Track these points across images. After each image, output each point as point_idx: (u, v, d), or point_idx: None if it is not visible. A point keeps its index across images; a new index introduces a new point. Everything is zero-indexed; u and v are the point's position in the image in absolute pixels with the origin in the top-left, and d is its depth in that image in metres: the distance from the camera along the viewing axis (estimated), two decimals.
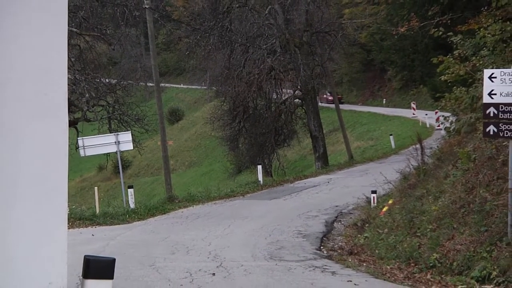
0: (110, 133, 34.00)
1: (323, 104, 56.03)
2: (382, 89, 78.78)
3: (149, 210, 26.86)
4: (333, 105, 52.51)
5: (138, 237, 20.29)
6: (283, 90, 48.69)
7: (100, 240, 19.23)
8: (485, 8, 19.78)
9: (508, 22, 17.93)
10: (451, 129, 20.75)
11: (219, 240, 18.87)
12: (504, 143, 14.68)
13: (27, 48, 4.58)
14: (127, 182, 34.19)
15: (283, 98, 48.62)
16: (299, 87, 47.15)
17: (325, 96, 70.60)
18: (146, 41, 38.24)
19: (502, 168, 14.94)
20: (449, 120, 20.97)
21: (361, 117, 67.50)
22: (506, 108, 13.27)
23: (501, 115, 13.33)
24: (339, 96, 61.46)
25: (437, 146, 22.30)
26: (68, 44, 4.77)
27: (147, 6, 34.79)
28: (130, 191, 29.58)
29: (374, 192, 22.65)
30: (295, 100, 48.72)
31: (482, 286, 12.40)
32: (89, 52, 37.07)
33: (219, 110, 52.09)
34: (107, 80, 40.05)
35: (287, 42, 46.06)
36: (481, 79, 14.75)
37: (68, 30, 4.49)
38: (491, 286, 12.30)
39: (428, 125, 52.82)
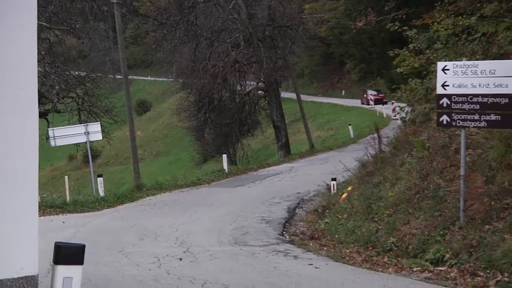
0: (80, 124, 33.82)
1: (284, 95, 56.20)
2: (341, 81, 79.06)
3: (118, 198, 26.73)
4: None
5: (107, 224, 20.19)
6: (247, 82, 48.79)
7: (71, 227, 19.11)
8: (438, 3, 19.88)
9: (460, 17, 18.07)
10: (406, 119, 20.88)
11: (186, 227, 18.82)
12: (456, 132, 14.82)
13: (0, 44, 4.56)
14: (97, 171, 34.02)
15: (247, 90, 48.72)
16: (262, 79, 47.23)
17: (365, 95, 68.97)
18: (114, 35, 38.02)
19: (454, 156, 15.07)
20: (405, 111, 21.10)
21: (321, 108, 67.61)
22: (458, 99, 13.37)
23: (454, 106, 13.43)
24: (383, 95, 61.95)
25: (394, 135, 22.40)
26: (38, 38, 4.75)
27: (115, 1, 34.59)
28: (100, 179, 29.74)
29: (334, 179, 22.74)
30: (258, 92, 48.84)
31: (436, 268, 12.50)
32: (59, 45, 36.77)
33: (185, 102, 52.05)
34: (76, 73, 39.81)
35: (250, 36, 46.09)
36: (434, 71, 14.85)
37: (38, 24, 4.47)
38: (445, 267, 12.41)
39: (385, 115, 53.06)
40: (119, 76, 37.70)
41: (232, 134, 48.22)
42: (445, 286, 11.31)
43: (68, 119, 37.87)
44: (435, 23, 18.78)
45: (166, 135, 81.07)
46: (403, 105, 21.41)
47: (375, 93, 65.52)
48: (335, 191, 21.90)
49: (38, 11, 4.64)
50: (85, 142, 31.41)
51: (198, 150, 57.69)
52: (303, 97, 55.70)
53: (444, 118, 13.64)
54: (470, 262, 12.27)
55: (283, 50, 47.89)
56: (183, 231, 18.07)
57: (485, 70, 13.15)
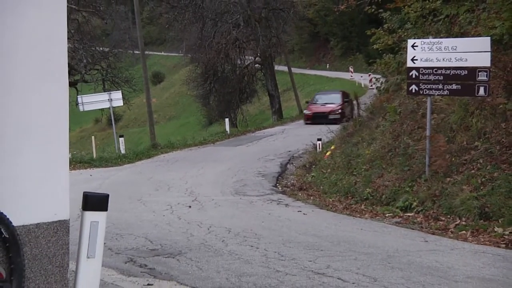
0: (104, 92, 33.78)
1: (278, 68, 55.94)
2: (326, 56, 78.41)
3: (136, 155, 26.79)
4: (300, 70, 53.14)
5: (128, 177, 20.25)
6: (246, 57, 48.56)
7: (97, 180, 19.17)
8: None
9: (427, 1, 17.98)
10: (381, 88, 20.86)
11: (194, 179, 18.85)
12: (423, 99, 14.84)
13: (34, 21, 4.53)
14: (118, 132, 33.99)
15: (246, 64, 48.53)
16: (258, 54, 47.12)
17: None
18: (133, 17, 37.75)
19: (421, 120, 15.11)
20: (380, 81, 21.09)
21: (309, 79, 67.24)
22: (425, 71, 13.36)
23: (421, 77, 13.43)
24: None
25: (370, 102, 22.40)
26: (68, 19, 4.72)
27: None
28: (121, 139, 29.89)
29: (319, 140, 22.75)
30: (255, 65, 48.69)
31: (405, 214, 12.60)
32: (86, 25, 36.61)
33: (193, 74, 51.81)
34: (101, 49, 39.68)
35: (249, 18, 45.77)
36: (405, 48, 14.79)
37: (68, 6, 4.44)
38: (412, 213, 12.52)
39: (363, 85, 52.63)
40: (137, 52, 37.54)
41: (233, 101, 48.21)
42: (413, 229, 11.40)
43: (94, 88, 37.85)
44: (406, 7, 18.71)
45: (177, 102, 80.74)
46: (378, 76, 21.39)
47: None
48: (320, 150, 21.92)
49: None
50: (109, 108, 31.54)
51: (204, 115, 57.50)
52: (294, 70, 55.53)
53: (413, 87, 13.65)
54: (433, 209, 12.38)
55: (276, 29, 47.54)
56: (191, 183, 18.11)
57: (448, 47, 13.15)
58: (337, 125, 26.18)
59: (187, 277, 7.78)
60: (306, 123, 35.61)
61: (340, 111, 35.51)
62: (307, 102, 40.50)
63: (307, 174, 18.91)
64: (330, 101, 36.97)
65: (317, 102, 38.02)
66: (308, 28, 73.85)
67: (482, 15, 15.29)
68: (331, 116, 34.44)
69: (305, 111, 37.79)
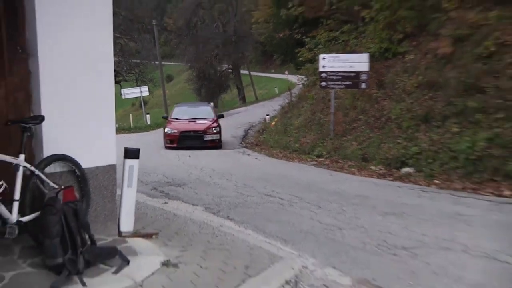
0: (137, 86, 33.38)
1: (242, 72, 55.36)
2: (271, 65, 78.02)
3: (157, 125, 26.40)
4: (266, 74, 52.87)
5: (152, 139, 19.91)
6: (223, 65, 48.17)
7: (133, 140, 18.88)
8: (320, 25, 19.69)
9: (331, 32, 17.94)
10: (304, 84, 20.86)
11: None
12: (329, 91, 14.87)
13: (99, 44, 4.52)
14: (146, 111, 33.65)
15: (223, 69, 48.13)
16: (231, 64, 46.83)
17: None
18: (154, 41, 37.49)
19: (328, 103, 15.15)
20: (304, 80, 21.05)
21: (261, 79, 66.89)
22: (330, 74, 13.38)
23: (328, 77, 13.44)
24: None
25: (297, 93, 22.39)
26: (114, 42, 4.65)
27: (154, 23, 34.38)
28: (148, 116, 30.08)
29: (267, 115, 22.73)
30: (229, 70, 48.31)
31: (319, 159, 12.70)
32: (126, 46, 35.77)
33: (191, 76, 51.13)
34: (134, 61, 38.89)
35: (225, 41, 45.25)
36: (318, 60, 14.82)
37: (114, 35, 4.37)
38: (323, 159, 12.62)
39: (293, 82, 52.55)
40: (157, 62, 37.13)
41: (216, 92, 47.78)
42: (323, 168, 11.51)
43: (131, 84, 37.23)
44: (318, 35, 18.65)
45: (181, 94, 79.82)
46: (303, 76, 21.35)
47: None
48: (268, 121, 21.91)
49: (114, 26, 4.59)
50: (139, 96, 31.39)
51: (198, 101, 57.13)
52: (252, 73, 55.15)
53: (323, 83, 13.67)
54: (335, 156, 12.49)
55: (241, 48, 47.15)
56: None
57: (343, 59, 13.17)
58: (217, 149, 15.82)
59: (188, 198, 7.73)
60: (168, 147, 16.23)
61: (217, 129, 16.67)
62: (165, 118, 18.82)
63: (261, 136, 18.91)
64: (200, 116, 17.62)
65: (182, 118, 17.57)
66: (260, 47, 73.13)
67: (363, 40, 15.35)
68: (207, 137, 16.24)
69: (166, 130, 16.67)
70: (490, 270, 4.49)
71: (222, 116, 18.37)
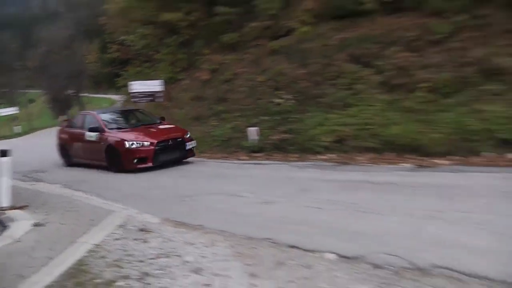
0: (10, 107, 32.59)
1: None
2: (101, 89, 70.20)
3: (25, 132, 22.82)
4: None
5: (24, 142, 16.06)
6: (69, 90, 46.26)
7: (18, 145, 15.77)
8: (130, 63, 18.01)
9: (137, 67, 16.26)
10: (125, 100, 18.71)
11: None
12: (138, 104, 13.53)
13: None
14: (17, 124, 30.53)
15: (69, 93, 46.26)
16: (74, 89, 45.02)
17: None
18: None
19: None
20: (124, 97, 18.71)
21: (94, 98, 55.76)
22: (139, 93, 13.19)
23: (137, 95, 13.28)
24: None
25: (120, 105, 19.45)
26: None
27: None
28: (19, 127, 29.77)
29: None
30: (73, 93, 46.32)
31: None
32: None
33: (47, 99, 46.22)
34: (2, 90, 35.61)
35: (70, 74, 43.41)
36: (130, 84, 13.82)
37: None
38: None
39: (116, 100, 43.17)
40: (22, 90, 35.28)
41: (65, 109, 43.82)
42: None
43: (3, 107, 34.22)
44: (130, 69, 16.73)
45: (41, 111, 65.10)
46: (123, 95, 19.04)
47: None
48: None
49: None
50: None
51: None
52: (89, 94, 50.33)
53: (134, 99, 13.28)
54: None
55: (81, 79, 46.05)
56: None
57: (146, 84, 13.16)
58: (192, 157, 8.77)
59: (49, 180, 7.50)
60: (136, 169, 7.64)
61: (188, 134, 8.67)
62: (60, 123, 14.93)
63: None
64: (146, 122, 9.11)
65: (123, 126, 8.59)
66: (93, 78, 62.13)
67: (158, 71, 15.43)
68: (189, 145, 8.37)
69: (129, 146, 7.70)
70: (235, 201, 4.99)
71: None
